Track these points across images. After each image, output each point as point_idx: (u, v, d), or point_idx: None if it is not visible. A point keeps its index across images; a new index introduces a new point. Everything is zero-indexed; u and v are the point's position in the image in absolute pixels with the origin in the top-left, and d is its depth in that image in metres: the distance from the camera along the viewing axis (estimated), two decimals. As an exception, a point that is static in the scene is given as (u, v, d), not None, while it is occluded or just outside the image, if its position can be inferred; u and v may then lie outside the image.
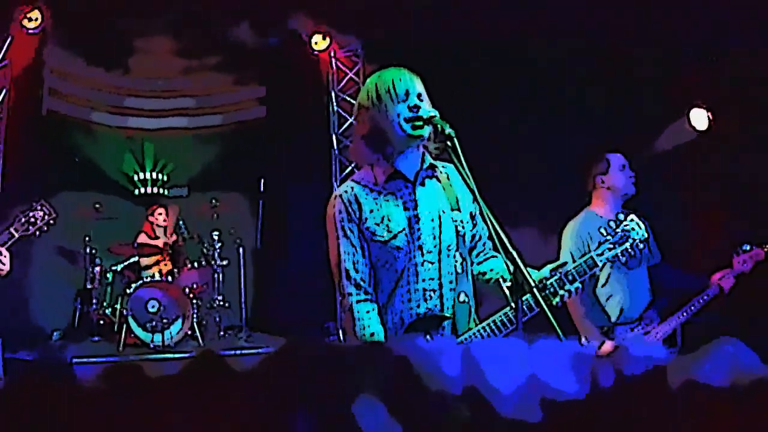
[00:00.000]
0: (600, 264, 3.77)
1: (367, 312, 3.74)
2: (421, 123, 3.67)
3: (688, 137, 8.82)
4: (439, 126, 3.56)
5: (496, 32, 9.43)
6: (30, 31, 10.65)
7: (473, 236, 3.97)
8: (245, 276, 11.30)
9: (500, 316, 3.73)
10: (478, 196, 3.35)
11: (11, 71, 10.83)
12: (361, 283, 3.77)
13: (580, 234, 6.04)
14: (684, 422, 1.30)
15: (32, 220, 4.89)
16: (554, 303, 3.69)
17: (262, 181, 11.70)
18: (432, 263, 3.76)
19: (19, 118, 10.88)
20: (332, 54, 12.26)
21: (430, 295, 3.75)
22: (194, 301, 10.37)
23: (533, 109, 9.77)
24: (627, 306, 6.04)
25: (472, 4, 9.45)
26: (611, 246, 3.82)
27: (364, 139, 3.84)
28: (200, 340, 10.24)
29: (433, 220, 3.79)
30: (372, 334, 3.70)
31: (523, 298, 3.47)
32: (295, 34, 11.88)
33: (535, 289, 3.20)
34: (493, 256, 4.06)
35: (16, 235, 4.85)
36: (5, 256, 4.76)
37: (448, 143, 3.48)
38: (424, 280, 3.75)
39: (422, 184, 3.85)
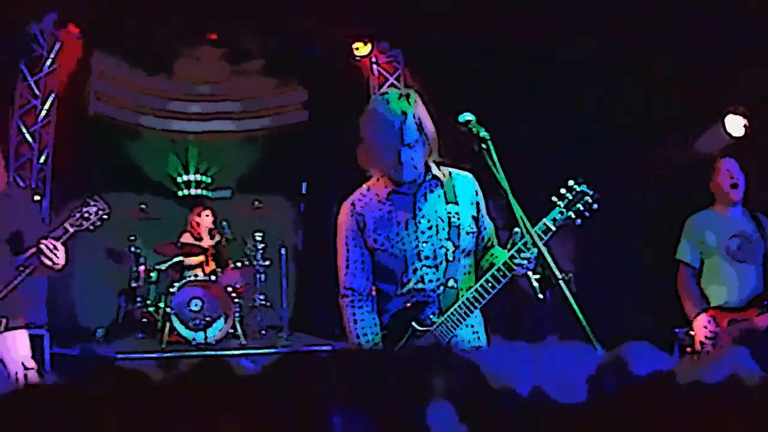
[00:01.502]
0: (554, 228, 3.93)
1: (359, 311, 4.03)
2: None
3: (725, 143, 8.83)
4: (474, 129, 3.71)
5: (532, 34, 9.47)
6: (78, 37, 10.84)
7: (477, 237, 4.16)
8: (287, 276, 11.36)
9: (476, 287, 3.94)
10: (510, 195, 3.54)
11: (60, 75, 11.04)
12: (355, 288, 4.04)
13: (692, 224, 6.70)
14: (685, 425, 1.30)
15: (86, 215, 4.93)
16: (519, 269, 3.87)
17: (305, 183, 11.77)
18: (430, 267, 3.99)
19: (67, 120, 11.08)
20: (374, 59, 12.33)
21: (419, 287, 4.00)
22: (236, 300, 10.48)
23: (570, 110, 9.78)
24: (728, 294, 6.44)
25: (508, 8, 9.49)
26: (562, 210, 3.97)
27: (362, 152, 4.11)
28: (242, 339, 10.33)
29: (431, 228, 4.02)
30: (363, 332, 4.01)
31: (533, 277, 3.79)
32: (338, 40, 11.98)
33: (561, 281, 3.31)
34: (492, 246, 4.25)
35: (71, 230, 4.89)
36: (60, 251, 4.82)
37: (483, 146, 3.65)
38: (417, 283, 3.99)
39: (423, 195, 4.06)
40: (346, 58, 12.08)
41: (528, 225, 3.57)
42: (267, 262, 11.08)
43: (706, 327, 6.27)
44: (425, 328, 3.94)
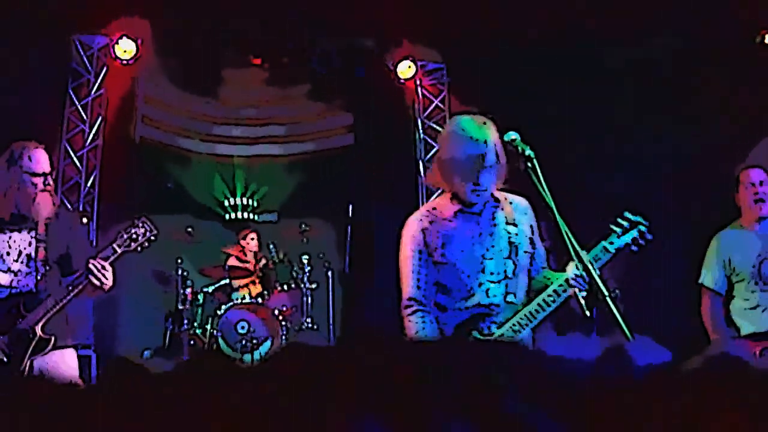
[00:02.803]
0: (613, 251, 4.23)
1: (421, 320, 4.19)
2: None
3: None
4: (519, 148, 3.99)
5: (578, 52, 9.45)
6: (124, 62, 10.96)
7: (531, 257, 4.40)
8: (334, 299, 11.34)
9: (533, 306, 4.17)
10: (555, 211, 3.83)
11: (107, 100, 11.16)
12: (420, 298, 4.24)
13: (718, 245, 6.31)
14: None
15: (134, 236, 4.98)
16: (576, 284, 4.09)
17: (351, 206, 11.76)
18: (494, 283, 4.22)
19: (114, 144, 11.20)
20: (418, 82, 12.35)
21: (486, 305, 4.21)
22: (283, 323, 10.44)
23: (617, 119, 9.74)
24: (760, 322, 6.06)
25: (555, 27, 9.48)
26: (620, 235, 4.28)
27: (442, 174, 4.31)
28: (289, 362, 10.28)
29: (494, 246, 4.25)
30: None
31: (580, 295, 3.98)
32: (382, 63, 12.01)
33: (608, 298, 3.57)
34: (544, 268, 4.52)
35: (119, 251, 4.94)
36: (108, 271, 4.87)
37: (528, 164, 3.94)
38: (480, 290, 4.21)
39: (488, 216, 4.30)
40: (391, 82, 12.08)
41: (573, 240, 3.71)
42: (314, 285, 11.05)
43: None
44: (486, 338, 4.08)
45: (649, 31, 9.20)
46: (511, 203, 4.31)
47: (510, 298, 4.21)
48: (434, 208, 4.35)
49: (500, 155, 4.14)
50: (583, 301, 4.04)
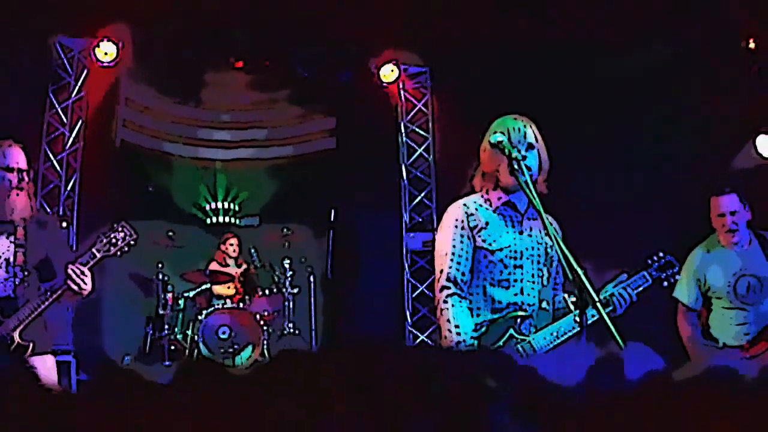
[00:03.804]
0: (650, 281, 4.42)
1: (458, 305, 4.19)
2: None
3: (755, 163, 8.74)
4: (506, 150, 4.16)
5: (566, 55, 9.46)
6: (105, 65, 10.91)
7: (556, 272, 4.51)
8: (315, 304, 11.32)
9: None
10: (546, 221, 3.90)
11: (87, 103, 11.10)
12: (459, 281, 4.25)
13: (692, 260, 6.44)
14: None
15: (113, 241, 4.96)
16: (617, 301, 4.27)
17: (333, 211, 11.73)
18: (530, 282, 4.30)
19: (95, 148, 11.14)
20: (401, 86, 12.35)
21: (518, 303, 4.25)
22: (265, 327, 10.40)
23: (603, 124, 9.76)
24: (736, 336, 6.17)
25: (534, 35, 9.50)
26: (657, 269, 4.49)
27: (484, 175, 4.44)
28: (270, 367, 10.23)
29: (533, 247, 4.35)
30: (457, 326, 4.12)
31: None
32: (365, 67, 11.99)
33: (598, 303, 3.57)
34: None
35: (98, 256, 4.92)
36: (87, 276, 4.84)
37: (515, 166, 4.11)
38: (514, 290, 4.25)
39: (529, 217, 4.40)
40: (374, 85, 12.06)
41: (562, 245, 3.85)
42: (296, 290, 11.03)
43: None
44: (522, 337, 4.13)
45: (638, 40, 9.21)
46: (547, 218, 4.21)
47: (545, 305, 4.32)
48: (481, 197, 4.45)
49: (542, 154, 4.40)
50: (572, 306, 4.24)
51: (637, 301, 4.29)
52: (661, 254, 4.51)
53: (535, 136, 4.37)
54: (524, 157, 4.18)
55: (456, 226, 4.33)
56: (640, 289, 4.35)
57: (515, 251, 4.28)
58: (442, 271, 4.30)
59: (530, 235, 4.36)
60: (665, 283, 4.50)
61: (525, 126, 4.35)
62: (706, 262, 6.35)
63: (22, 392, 1.39)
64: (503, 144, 4.13)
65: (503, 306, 4.22)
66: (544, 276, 4.34)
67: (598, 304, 3.55)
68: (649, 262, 4.47)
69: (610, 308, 4.19)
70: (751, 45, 8.84)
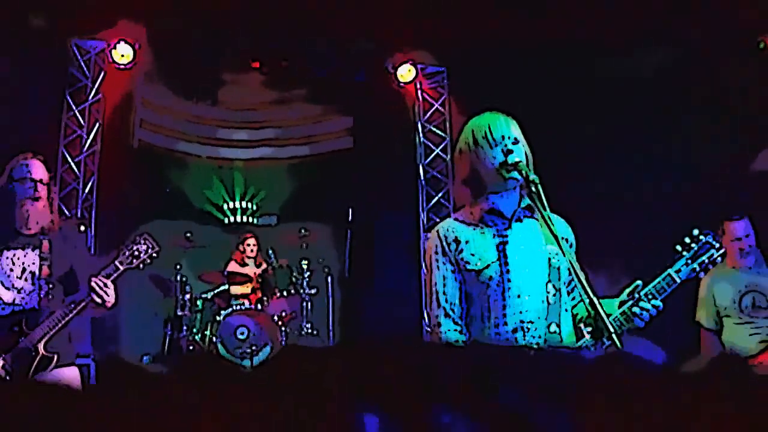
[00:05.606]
0: (679, 280, 3.81)
1: (455, 341, 3.75)
2: (512, 167, 3.73)
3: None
4: (523, 171, 3.67)
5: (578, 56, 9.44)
6: (121, 67, 10.94)
7: (570, 284, 3.93)
8: (333, 304, 11.35)
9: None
10: (559, 240, 3.51)
11: (105, 105, 11.13)
12: (450, 312, 3.80)
13: (704, 284, 6.58)
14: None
15: (136, 253, 5.02)
16: (637, 320, 3.73)
17: (350, 210, 11.74)
18: (524, 296, 3.73)
19: (113, 149, 11.18)
20: (418, 85, 12.34)
21: (523, 328, 3.70)
22: (283, 328, 10.44)
23: (619, 125, 9.73)
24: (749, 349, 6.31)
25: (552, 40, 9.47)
26: (688, 261, 3.85)
27: (464, 182, 3.96)
28: (288, 367, 10.24)
29: (526, 254, 3.81)
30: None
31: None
32: (381, 66, 11.99)
33: (613, 335, 3.19)
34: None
35: (121, 268, 4.99)
36: (111, 288, 4.88)
37: (532, 188, 3.61)
38: (514, 314, 3.71)
39: (519, 220, 3.88)
40: (391, 85, 12.07)
41: (579, 272, 3.41)
42: (314, 290, 11.04)
43: None
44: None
45: (638, 40, 9.18)
46: (551, 219, 3.68)
47: (553, 328, 3.72)
48: (459, 215, 3.98)
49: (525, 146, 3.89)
50: (588, 336, 3.82)
51: (663, 309, 3.71)
52: (695, 233, 3.88)
53: (517, 135, 3.87)
54: (510, 152, 3.76)
55: (436, 259, 3.88)
56: (666, 293, 3.76)
57: (504, 267, 3.75)
58: (432, 306, 3.85)
59: (525, 249, 3.82)
60: (702, 274, 3.85)
61: (507, 123, 3.90)
62: (715, 283, 6.53)
63: (43, 401, 1.41)
64: (520, 166, 3.69)
65: (502, 339, 3.69)
66: (550, 293, 3.76)
67: (614, 336, 3.18)
68: (679, 248, 3.87)
69: (629, 325, 3.71)
70: (762, 45, 8.82)
